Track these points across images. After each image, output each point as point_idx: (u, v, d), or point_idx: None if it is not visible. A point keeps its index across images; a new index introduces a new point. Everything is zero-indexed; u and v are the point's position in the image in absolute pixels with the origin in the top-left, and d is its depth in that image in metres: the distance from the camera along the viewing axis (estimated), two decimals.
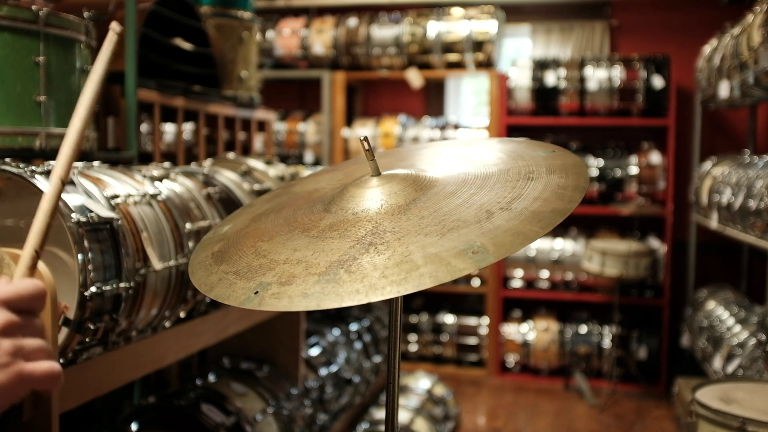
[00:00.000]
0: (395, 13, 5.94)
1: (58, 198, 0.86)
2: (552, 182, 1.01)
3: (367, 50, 5.80)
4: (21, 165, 1.53)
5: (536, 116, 5.71)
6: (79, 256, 1.46)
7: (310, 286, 0.89)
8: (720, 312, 4.49)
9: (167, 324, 1.87)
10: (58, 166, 0.88)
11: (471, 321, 5.87)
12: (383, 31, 5.79)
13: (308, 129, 6.13)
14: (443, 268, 0.85)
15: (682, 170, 5.69)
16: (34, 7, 1.86)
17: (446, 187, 1.05)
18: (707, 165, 4.82)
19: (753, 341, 3.71)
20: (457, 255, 0.86)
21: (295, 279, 0.91)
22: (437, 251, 0.88)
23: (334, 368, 2.98)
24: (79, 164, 1.75)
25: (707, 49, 4.97)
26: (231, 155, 2.80)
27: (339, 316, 3.44)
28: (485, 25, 5.63)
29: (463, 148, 1.26)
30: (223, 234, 1.16)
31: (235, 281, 0.97)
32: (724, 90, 4.24)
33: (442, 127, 5.97)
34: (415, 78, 5.75)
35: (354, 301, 0.85)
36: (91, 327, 1.49)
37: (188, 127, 3.70)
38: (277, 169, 2.66)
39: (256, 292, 0.92)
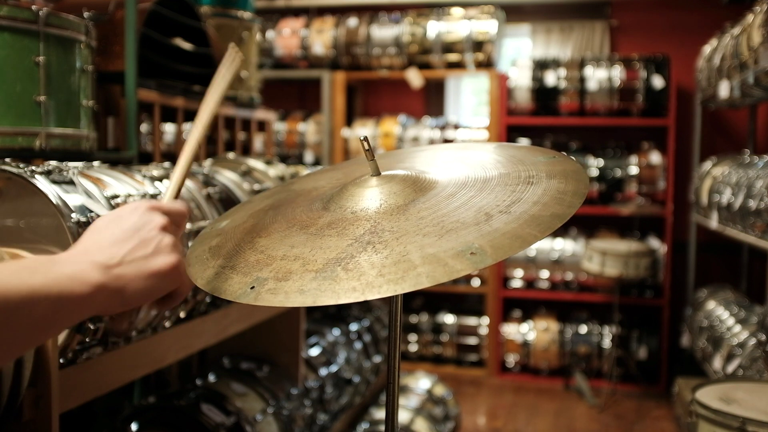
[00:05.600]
0: (395, 13, 5.95)
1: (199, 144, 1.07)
2: (552, 187, 1.01)
3: (367, 50, 5.80)
4: (21, 165, 1.53)
5: (536, 116, 5.71)
6: None
7: (306, 283, 0.89)
8: (720, 312, 4.49)
9: (167, 324, 1.88)
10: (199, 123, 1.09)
11: (471, 321, 5.87)
12: (383, 31, 5.79)
13: (308, 129, 6.13)
14: (441, 269, 0.85)
15: (682, 170, 5.69)
16: (34, 7, 1.86)
17: (446, 188, 1.05)
18: (707, 165, 4.83)
19: (753, 341, 3.71)
20: (454, 256, 0.87)
21: (292, 275, 0.92)
22: (435, 251, 0.88)
23: (334, 368, 2.98)
24: (79, 164, 1.75)
25: (707, 49, 4.97)
26: (231, 155, 2.80)
27: (339, 316, 3.44)
28: (485, 25, 5.64)
29: (464, 151, 1.27)
30: (221, 229, 1.16)
31: (231, 276, 0.97)
32: (724, 90, 4.24)
33: (442, 127, 5.97)
34: (415, 78, 5.76)
35: (350, 299, 0.85)
36: (91, 327, 1.50)
37: (188, 127, 3.70)
38: (277, 169, 2.66)
39: (253, 287, 0.93)
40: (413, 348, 5.88)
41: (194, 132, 1.09)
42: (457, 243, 0.89)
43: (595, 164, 5.56)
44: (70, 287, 0.76)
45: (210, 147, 3.37)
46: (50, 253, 1.50)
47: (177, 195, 1.03)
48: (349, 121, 6.18)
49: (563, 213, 0.94)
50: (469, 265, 0.85)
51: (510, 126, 5.76)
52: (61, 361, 1.46)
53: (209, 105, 1.12)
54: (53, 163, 1.61)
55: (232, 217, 1.21)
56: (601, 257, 5.04)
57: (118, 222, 0.88)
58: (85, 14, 2.31)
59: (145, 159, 2.87)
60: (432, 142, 5.86)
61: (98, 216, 1.54)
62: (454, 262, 0.86)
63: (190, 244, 1.88)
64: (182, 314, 1.93)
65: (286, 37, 5.99)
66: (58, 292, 0.74)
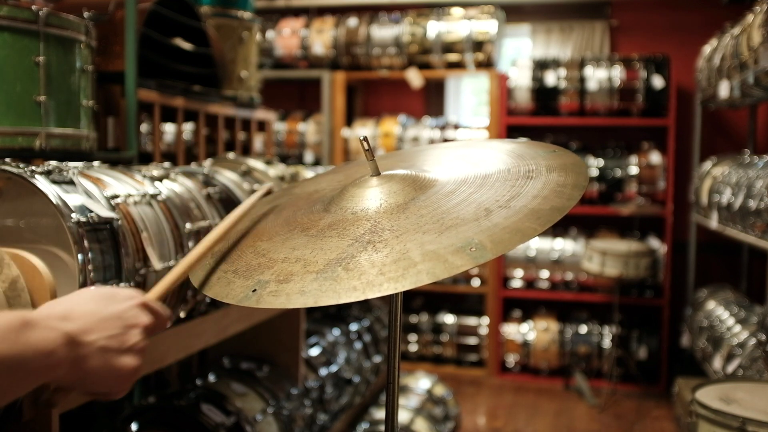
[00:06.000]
0: (395, 13, 5.95)
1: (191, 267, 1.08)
2: (551, 180, 1.01)
3: (367, 50, 5.80)
4: (21, 165, 1.53)
5: (536, 116, 5.71)
6: (79, 256, 1.46)
7: (307, 284, 0.89)
8: (720, 312, 4.49)
9: (167, 324, 1.87)
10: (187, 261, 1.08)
11: (471, 321, 5.87)
12: (383, 31, 5.79)
13: (308, 129, 6.13)
14: (441, 265, 0.85)
15: (682, 170, 5.69)
16: (34, 7, 1.86)
17: (446, 186, 1.05)
18: (707, 165, 4.83)
19: (753, 341, 3.71)
20: (454, 252, 0.87)
21: (293, 277, 0.92)
22: (435, 248, 0.88)
23: (334, 368, 2.98)
24: (79, 164, 1.75)
25: (707, 49, 4.97)
26: (231, 155, 2.80)
27: (339, 316, 3.44)
28: (485, 25, 5.64)
29: (464, 148, 1.27)
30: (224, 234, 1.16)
31: (233, 279, 0.97)
32: (724, 90, 4.24)
33: (442, 127, 5.97)
34: (415, 78, 5.76)
35: (351, 298, 0.85)
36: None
37: (188, 127, 3.70)
38: (277, 169, 2.66)
39: (254, 290, 0.93)
40: (413, 348, 5.88)
41: (202, 243, 1.10)
42: (456, 239, 0.89)
43: (595, 164, 5.56)
44: (34, 360, 0.75)
45: (210, 147, 3.37)
46: (50, 253, 1.50)
47: (164, 296, 1.04)
48: (349, 121, 6.18)
49: (563, 206, 0.94)
50: (469, 261, 0.85)
51: (510, 126, 5.76)
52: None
53: (222, 225, 1.14)
54: (53, 163, 1.61)
55: None
56: (601, 257, 5.04)
57: (108, 301, 0.88)
58: (85, 14, 2.31)
59: (145, 159, 2.87)
60: (432, 142, 5.86)
61: (98, 216, 1.54)
62: (454, 258, 0.86)
63: (191, 245, 1.88)
64: (182, 314, 1.93)
65: (286, 37, 5.98)
66: (18, 365, 0.74)
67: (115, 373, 0.85)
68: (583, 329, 5.58)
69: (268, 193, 1.32)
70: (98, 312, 0.85)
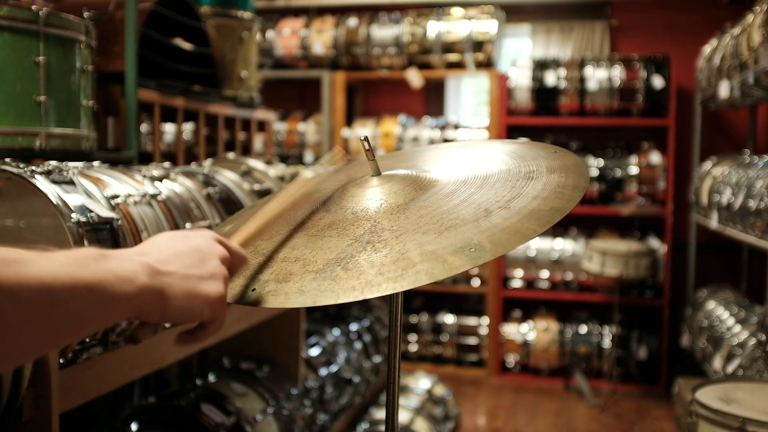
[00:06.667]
0: (395, 13, 5.95)
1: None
2: (552, 181, 1.01)
3: (367, 50, 5.80)
4: (21, 165, 1.53)
5: (536, 116, 5.71)
6: None
7: (306, 283, 0.89)
8: (720, 312, 4.49)
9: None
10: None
11: (471, 321, 5.87)
12: (383, 31, 5.79)
13: (308, 129, 6.13)
14: (439, 266, 0.85)
15: (682, 170, 5.69)
16: (34, 7, 1.86)
17: (446, 186, 1.05)
18: (707, 165, 4.83)
19: (753, 341, 3.71)
20: (453, 252, 0.87)
21: (292, 276, 0.92)
22: (434, 249, 0.88)
23: (334, 368, 2.98)
24: (79, 164, 1.75)
25: (707, 49, 4.97)
26: (231, 155, 2.80)
27: (339, 316, 3.44)
28: (485, 25, 5.64)
29: (465, 149, 1.27)
30: (224, 234, 1.16)
31: (233, 279, 0.97)
32: (724, 90, 4.24)
33: (442, 127, 5.97)
34: (415, 78, 5.76)
35: (349, 298, 0.85)
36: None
37: (188, 127, 3.70)
38: (277, 169, 2.66)
39: (253, 290, 0.93)
40: (413, 348, 5.88)
41: (280, 196, 1.11)
42: (456, 240, 0.89)
43: (595, 164, 5.56)
44: (116, 286, 0.74)
45: (210, 147, 3.37)
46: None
47: (246, 243, 1.03)
48: (349, 121, 6.18)
49: (563, 207, 0.94)
50: (468, 261, 0.85)
51: (510, 126, 5.76)
52: (61, 361, 1.46)
53: (300, 184, 1.16)
54: (53, 163, 1.61)
55: (236, 221, 1.21)
56: (601, 257, 5.04)
57: (183, 238, 0.88)
58: (85, 14, 2.31)
59: (145, 159, 2.87)
60: (432, 142, 5.86)
61: (98, 216, 1.54)
62: (453, 259, 0.86)
63: None
64: None
65: (286, 37, 5.99)
66: (101, 289, 0.72)
67: (201, 299, 0.83)
68: (583, 329, 5.58)
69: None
70: (174, 247, 0.85)
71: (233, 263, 0.92)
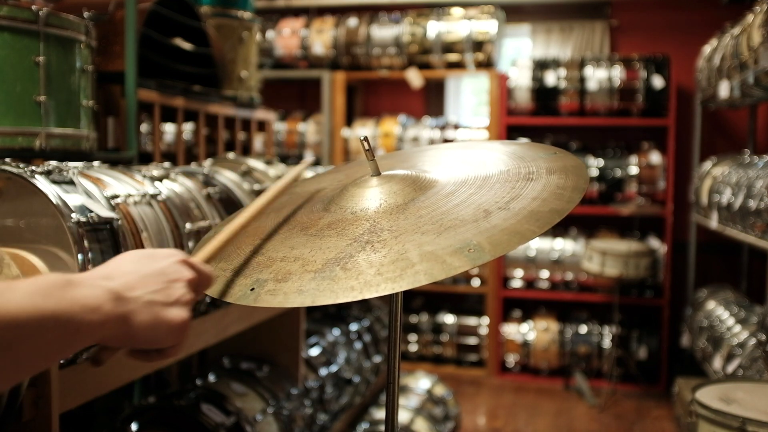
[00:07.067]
0: (395, 13, 5.95)
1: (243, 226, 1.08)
2: (551, 183, 1.01)
3: (367, 50, 5.80)
4: (21, 165, 1.53)
5: (536, 116, 5.71)
6: (79, 256, 1.46)
7: (305, 283, 0.90)
8: (720, 312, 4.49)
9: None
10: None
11: (471, 321, 5.87)
12: (383, 31, 5.79)
13: (308, 129, 6.13)
14: (438, 266, 0.85)
15: (682, 170, 5.69)
16: (34, 7, 1.86)
17: (445, 187, 1.05)
18: (707, 165, 4.83)
19: (753, 341, 3.71)
20: (452, 253, 0.87)
21: (292, 276, 0.92)
22: (433, 249, 0.88)
23: (334, 368, 2.98)
24: (79, 164, 1.76)
25: (707, 49, 4.97)
26: (231, 155, 2.80)
27: (339, 316, 3.44)
28: (485, 25, 5.64)
29: (465, 149, 1.27)
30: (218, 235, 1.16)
31: (232, 278, 0.98)
32: (724, 90, 4.24)
33: (442, 127, 5.97)
34: (415, 78, 5.76)
35: (348, 298, 0.85)
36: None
37: (188, 127, 3.70)
38: (277, 169, 2.66)
39: (253, 289, 0.93)
40: (413, 348, 5.88)
41: (250, 208, 1.11)
42: (455, 240, 0.89)
43: (595, 164, 5.56)
44: (81, 315, 0.74)
45: (210, 147, 3.37)
46: (50, 253, 1.50)
47: (211, 259, 1.02)
48: (349, 121, 6.18)
49: (562, 208, 0.94)
50: (467, 262, 0.86)
51: (510, 126, 5.76)
52: (61, 361, 1.46)
53: (269, 192, 1.15)
54: (53, 163, 1.61)
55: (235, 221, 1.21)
56: (601, 257, 5.04)
57: (149, 259, 0.87)
58: (85, 14, 2.31)
59: (145, 159, 2.87)
60: (432, 142, 5.86)
61: (98, 216, 1.54)
62: (452, 259, 0.86)
63: (191, 245, 1.88)
64: None
65: (286, 37, 5.99)
66: (67, 319, 0.73)
67: (165, 327, 0.84)
68: (583, 329, 5.58)
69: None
70: (140, 270, 0.85)
71: (199, 284, 0.91)
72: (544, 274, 5.68)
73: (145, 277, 0.84)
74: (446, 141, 5.85)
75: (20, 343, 0.69)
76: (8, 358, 0.68)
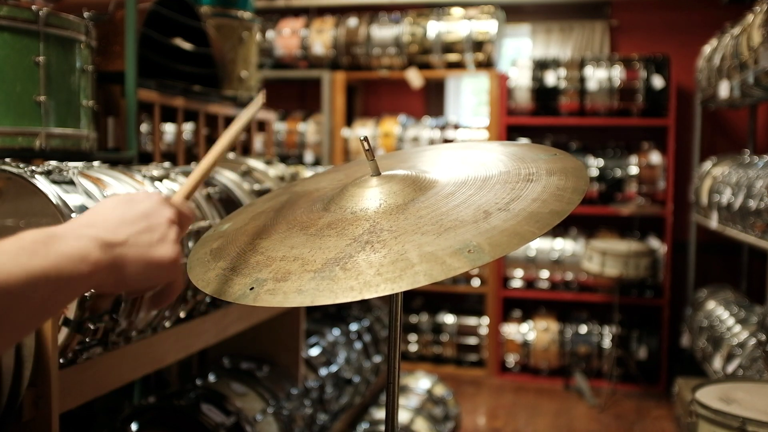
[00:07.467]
0: (395, 13, 5.95)
1: (221, 156, 1.10)
2: (551, 184, 1.01)
3: (367, 50, 5.81)
4: (21, 165, 1.53)
5: (536, 116, 5.72)
6: None
7: (305, 283, 0.89)
8: (720, 312, 4.49)
9: (167, 324, 1.88)
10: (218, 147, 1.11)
11: (471, 321, 5.87)
12: (383, 31, 5.80)
13: (308, 129, 6.14)
14: (438, 267, 0.86)
15: (682, 170, 5.69)
16: (34, 7, 1.86)
17: (446, 187, 1.05)
18: (707, 165, 4.83)
19: (753, 341, 3.71)
20: (452, 254, 0.87)
21: (291, 276, 0.92)
22: (433, 250, 0.88)
23: (334, 368, 2.98)
24: (79, 164, 1.75)
25: (707, 49, 4.97)
26: (231, 155, 2.80)
27: (339, 316, 3.44)
28: (485, 25, 5.64)
29: (465, 150, 1.27)
30: (223, 232, 1.16)
31: (231, 277, 0.97)
32: (724, 90, 4.24)
33: (442, 127, 5.97)
34: (415, 78, 5.76)
35: (348, 298, 0.85)
36: (91, 327, 1.50)
37: (188, 127, 3.70)
38: (277, 169, 2.66)
39: (252, 288, 0.93)
40: (413, 348, 5.89)
41: (220, 141, 1.11)
42: (455, 241, 0.89)
43: (595, 164, 5.56)
44: (70, 268, 0.74)
45: (210, 147, 3.37)
46: None
47: (188, 196, 1.03)
48: (349, 121, 6.18)
49: (562, 210, 0.94)
50: (467, 263, 0.86)
51: (510, 126, 5.76)
52: (61, 361, 1.46)
53: (233, 128, 1.16)
54: (53, 163, 1.61)
55: (234, 219, 1.21)
56: (601, 257, 5.04)
57: (129, 204, 0.87)
58: (85, 14, 2.31)
59: (145, 159, 2.87)
60: (432, 142, 5.86)
61: None
62: (451, 260, 0.86)
63: (191, 245, 1.88)
64: (182, 314, 1.94)
65: (286, 37, 5.99)
66: (57, 275, 0.72)
67: (155, 265, 0.84)
68: (583, 329, 5.59)
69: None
70: (122, 215, 0.85)
71: (181, 221, 0.92)
72: (544, 274, 5.68)
73: (128, 220, 0.85)
74: (446, 141, 5.86)
75: (13, 307, 0.68)
76: (4, 323, 0.68)
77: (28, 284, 0.70)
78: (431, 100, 6.47)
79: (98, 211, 0.86)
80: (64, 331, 1.45)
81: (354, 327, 3.38)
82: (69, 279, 0.74)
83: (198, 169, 1.06)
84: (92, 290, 0.82)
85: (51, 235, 0.75)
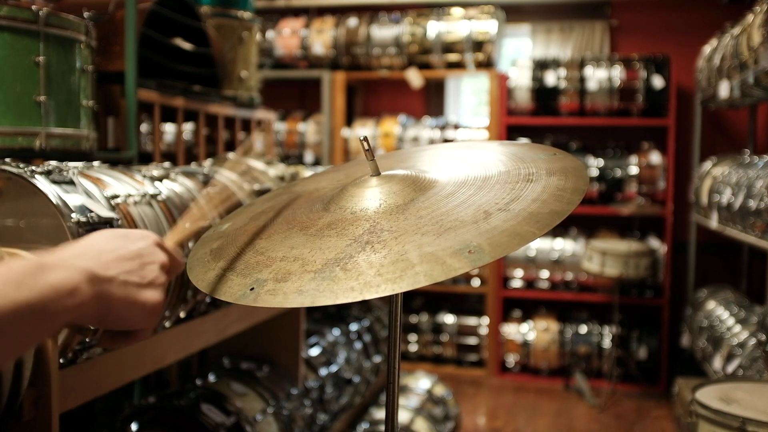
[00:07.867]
0: (395, 13, 5.95)
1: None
2: (551, 184, 1.01)
3: (367, 50, 5.80)
4: (21, 165, 1.53)
5: (536, 116, 5.71)
6: None
7: (305, 283, 0.89)
8: (720, 312, 4.49)
9: (167, 324, 1.88)
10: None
11: (471, 321, 5.87)
12: (383, 31, 5.80)
13: (308, 129, 6.13)
14: (438, 267, 0.85)
15: (682, 170, 5.69)
16: (34, 7, 1.86)
17: (445, 187, 1.05)
18: (707, 165, 4.83)
19: (753, 341, 3.71)
20: (452, 254, 0.87)
21: (291, 276, 0.92)
22: (433, 250, 0.88)
23: (334, 368, 2.98)
24: (79, 164, 1.75)
25: (707, 49, 4.97)
26: (231, 155, 2.80)
27: (339, 316, 3.44)
28: (485, 25, 5.64)
29: (465, 150, 1.27)
30: (223, 232, 1.16)
31: (231, 277, 0.97)
32: (724, 90, 4.24)
33: (442, 127, 5.97)
34: (415, 78, 5.76)
35: (348, 298, 0.85)
36: (91, 327, 1.50)
37: (188, 127, 3.70)
38: (277, 169, 2.66)
39: (252, 289, 0.93)
40: (413, 348, 5.88)
41: (203, 198, 1.11)
42: (455, 241, 0.89)
43: (595, 164, 5.56)
44: (56, 300, 0.73)
45: (210, 147, 3.37)
46: None
47: (181, 244, 1.03)
48: (349, 121, 6.18)
49: (562, 210, 0.94)
50: (467, 264, 0.85)
51: (510, 126, 5.76)
52: (61, 361, 1.46)
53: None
54: (53, 163, 1.61)
55: (234, 219, 1.21)
56: (601, 257, 5.04)
57: (124, 240, 0.87)
58: (85, 14, 2.31)
59: (145, 159, 2.87)
60: (432, 142, 5.86)
61: (98, 216, 1.54)
62: (452, 261, 0.86)
63: (191, 245, 1.88)
64: (182, 314, 1.94)
65: (286, 37, 5.99)
66: (42, 308, 0.72)
67: (139, 308, 0.84)
68: (583, 329, 5.59)
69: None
70: (114, 250, 0.84)
71: (170, 268, 0.92)
72: (544, 274, 5.68)
73: (120, 256, 0.84)
74: (446, 141, 5.86)
75: None
76: None
77: (13, 316, 0.69)
78: (431, 100, 6.47)
79: (92, 242, 0.85)
80: (64, 331, 1.45)
81: (354, 327, 3.38)
82: (55, 313, 0.73)
83: (194, 217, 1.07)
84: (79, 324, 0.82)
85: (40, 266, 0.74)
